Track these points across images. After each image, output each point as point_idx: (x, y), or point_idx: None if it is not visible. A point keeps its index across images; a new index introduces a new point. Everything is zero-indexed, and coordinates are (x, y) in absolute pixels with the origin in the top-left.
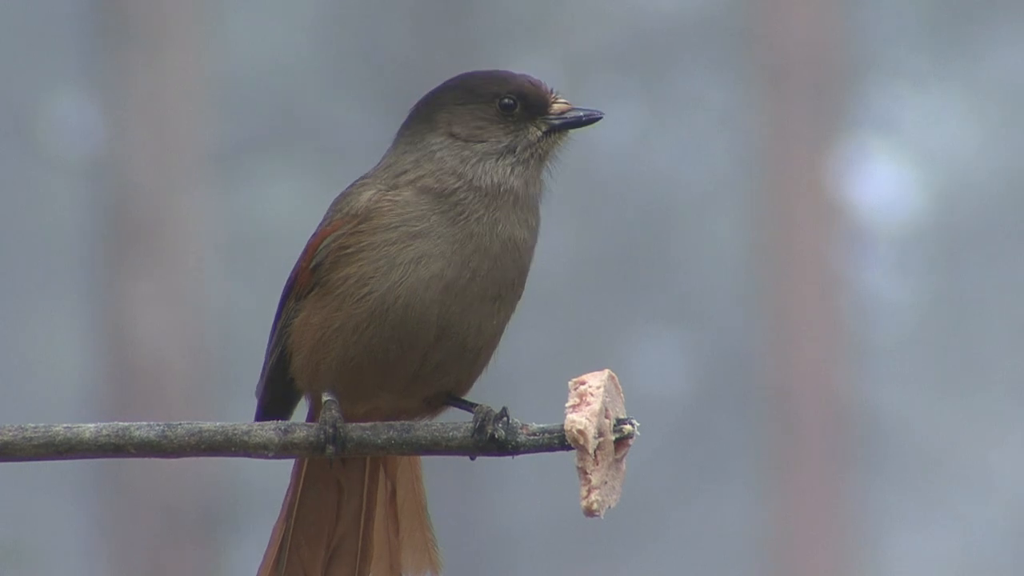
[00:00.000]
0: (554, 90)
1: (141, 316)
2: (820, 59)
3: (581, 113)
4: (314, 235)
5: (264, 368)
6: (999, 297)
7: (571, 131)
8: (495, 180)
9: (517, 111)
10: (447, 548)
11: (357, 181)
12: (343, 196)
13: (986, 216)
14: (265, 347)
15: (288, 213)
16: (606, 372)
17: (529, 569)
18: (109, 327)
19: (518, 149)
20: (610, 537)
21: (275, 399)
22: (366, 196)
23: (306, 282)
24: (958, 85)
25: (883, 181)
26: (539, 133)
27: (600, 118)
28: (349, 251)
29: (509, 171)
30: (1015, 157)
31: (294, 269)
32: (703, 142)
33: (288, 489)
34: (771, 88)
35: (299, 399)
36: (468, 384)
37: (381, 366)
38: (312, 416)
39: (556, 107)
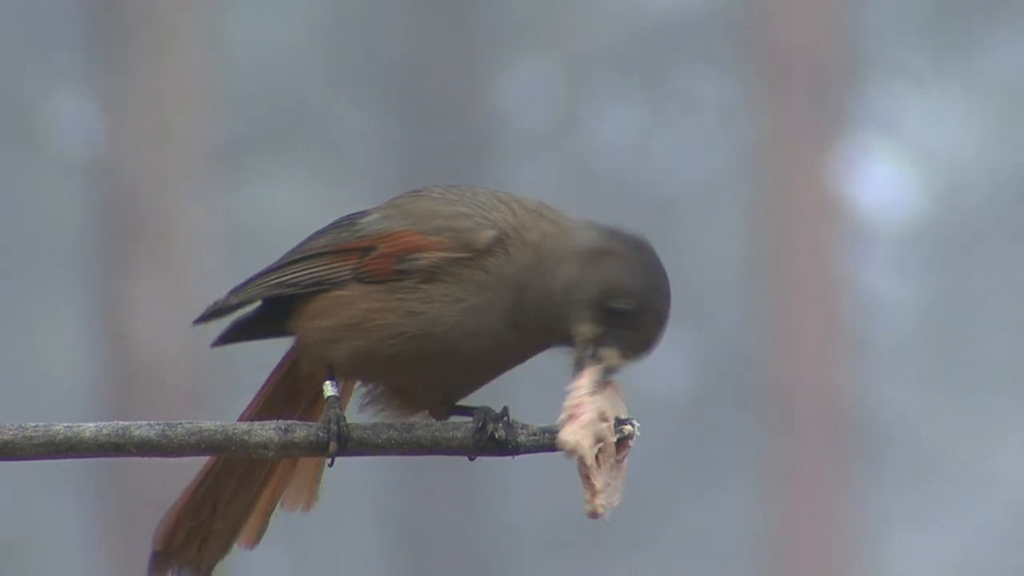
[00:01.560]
0: (634, 357)
1: (141, 315)
2: (820, 58)
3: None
4: (403, 222)
5: (256, 281)
6: (1000, 296)
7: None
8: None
9: (612, 317)
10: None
11: (474, 194)
12: (460, 214)
13: (986, 215)
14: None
15: (289, 212)
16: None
17: (529, 569)
18: (109, 326)
19: (572, 327)
20: (610, 537)
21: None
22: (488, 234)
23: (383, 273)
24: (958, 85)
25: (883, 180)
26: (585, 338)
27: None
28: (438, 272)
29: (558, 342)
30: (1015, 157)
31: (356, 237)
32: (703, 141)
33: (245, 411)
34: (771, 87)
35: (242, 308)
36: (466, 395)
37: (395, 371)
38: (282, 365)
39: (607, 353)
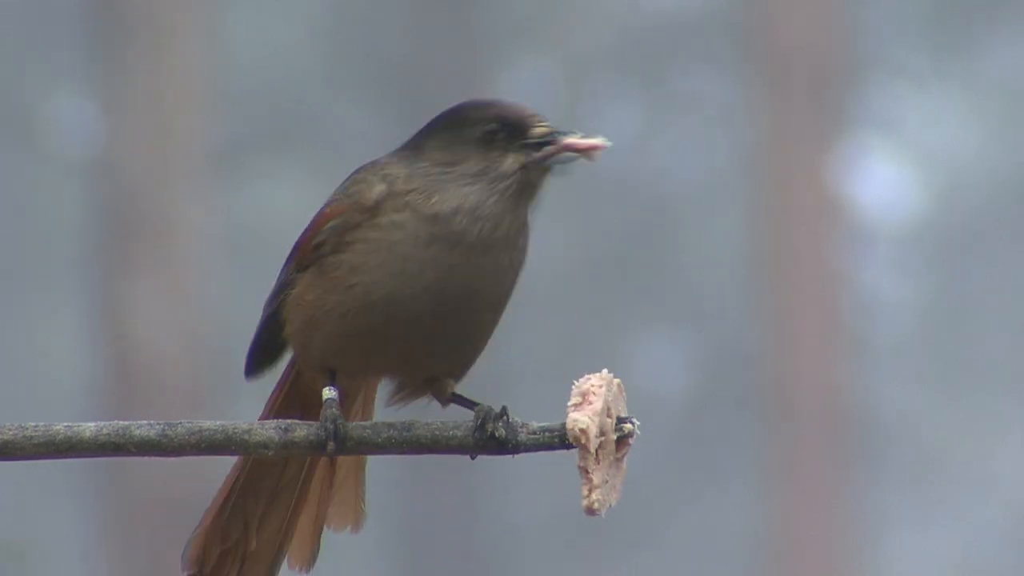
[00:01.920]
0: (536, 115)
1: (141, 315)
2: (820, 58)
3: (559, 154)
4: (321, 211)
5: (261, 322)
6: (999, 296)
7: (554, 164)
8: (458, 206)
9: (500, 138)
10: (447, 547)
11: (374, 165)
12: (354, 180)
13: (986, 215)
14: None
15: (288, 211)
16: (609, 375)
17: (529, 568)
18: (109, 326)
19: (488, 177)
20: (610, 536)
21: (264, 350)
22: (377, 190)
23: (307, 257)
24: (958, 84)
25: (883, 180)
26: (515, 165)
27: (590, 149)
28: (348, 239)
29: (478, 199)
30: (1015, 157)
31: (299, 239)
32: (703, 141)
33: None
34: (771, 87)
35: (285, 350)
36: (463, 371)
37: (370, 351)
38: (287, 375)
39: (536, 131)
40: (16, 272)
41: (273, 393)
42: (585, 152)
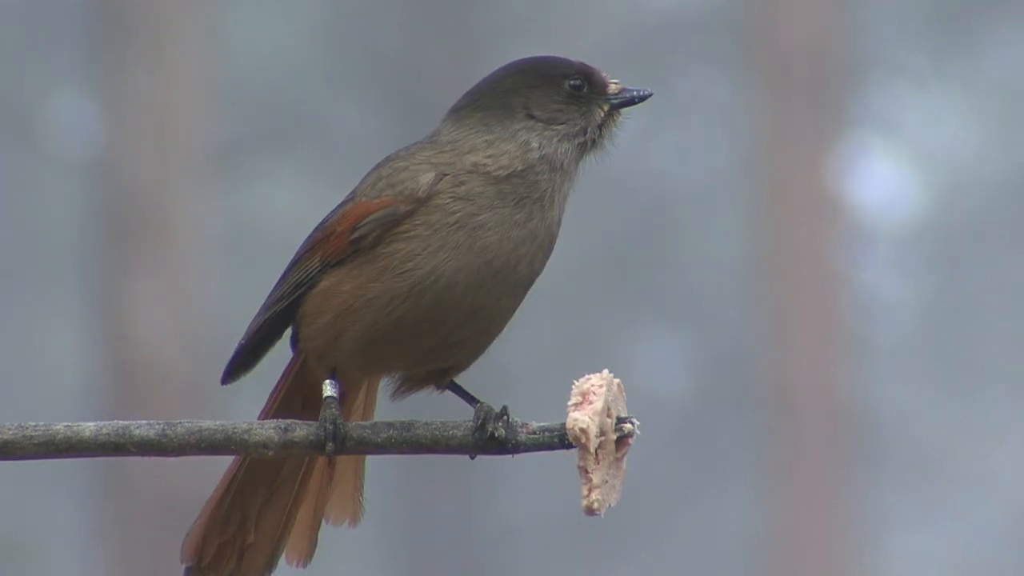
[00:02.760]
0: (607, 73)
1: (141, 315)
2: (820, 58)
3: (634, 92)
4: (352, 203)
5: (257, 317)
6: (999, 296)
7: (625, 110)
8: (567, 161)
9: (584, 92)
10: (446, 547)
11: (408, 152)
12: (395, 170)
13: (986, 215)
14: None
15: (288, 211)
16: (610, 374)
17: (529, 568)
18: (109, 326)
19: (588, 130)
20: (610, 536)
21: (253, 345)
22: (426, 179)
23: (341, 250)
24: (958, 84)
25: (883, 180)
26: (602, 114)
27: (650, 95)
28: (400, 229)
29: (578, 153)
30: (1015, 157)
31: (322, 231)
32: (703, 141)
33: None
34: (771, 87)
35: (270, 347)
36: (471, 362)
37: (406, 340)
38: (288, 371)
39: (612, 87)
40: (16, 272)
41: (276, 388)
42: (641, 97)
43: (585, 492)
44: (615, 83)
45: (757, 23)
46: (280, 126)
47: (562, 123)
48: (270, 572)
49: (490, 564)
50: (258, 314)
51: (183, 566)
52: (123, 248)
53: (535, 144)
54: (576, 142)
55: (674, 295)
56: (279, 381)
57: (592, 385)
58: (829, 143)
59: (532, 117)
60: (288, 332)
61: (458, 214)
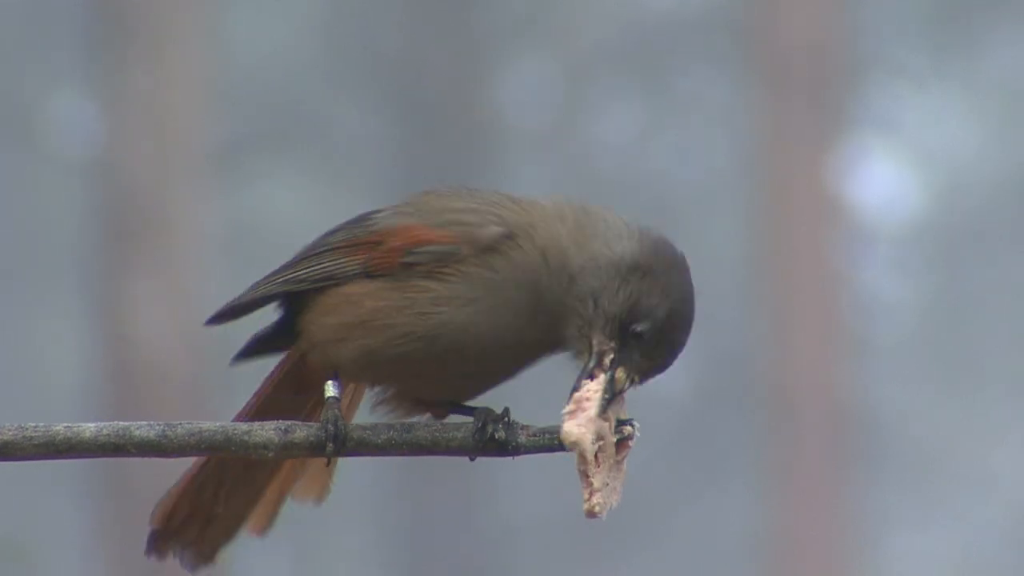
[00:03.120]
0: (639, 380)
1: (141, 315)
2: (820, 58)
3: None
4: (412, 218)
5: (267, 281)
6: (999, 296)
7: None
8: (562, 319)
9: (629, 345)
10: (446, 549)
11: (486, 194)
12: (468, 209)
13: (986, 215)
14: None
15: (289, 212)
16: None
17: (529, 568)
18: (109, 326)
19: (589, 336)
20: (610, 537)
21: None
22: (494, 231)
23: (390, 267)
24: (959, 84)
25: (883, 180)
26: (598, 351)
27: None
28: (446, 268)
29: (568, 332)
30: (1015, 157)
31: (367, 231)
32: (702, 141)
33: (245, 406)
34: (770, 87)
35: (258, 309)
36: (470, 399)
37: (405, 371)
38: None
39: (619, 373)
40: (15, 272)
41: (269, 376)
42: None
43: (586, 496)
44: (625, 380)
45: (757, 23)
46: (280, 126)
47: (595, 320)
48: (229, 542)
49: (490, 565)
50: (269, 278)
51: (150, 529)
52: (123, 248)
53: (561, 287)
54: (575, 323)
55: None
56: (278, 365)
57: (587, 391)
58: (829, 143)
59: (621, 281)
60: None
61: (490, 281)
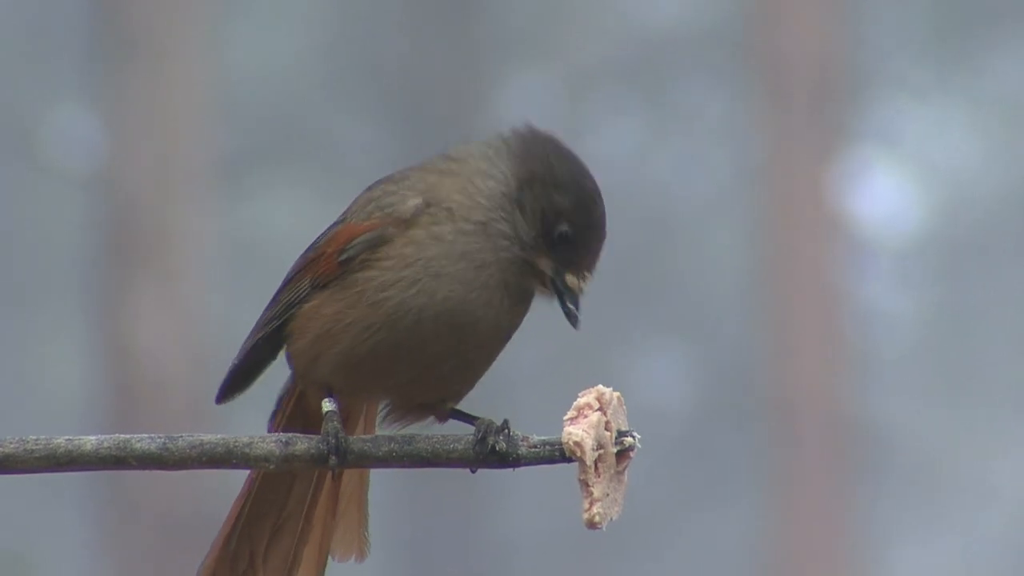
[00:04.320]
0: (589, 273)
1: (142, 328)
2: (822, 72)
3: (570, 307)
4: (343, 224)
5: (250, 336)
6: (1001, 310)
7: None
8: (494, 252)
9: (557, 241)
10: (446, 560)
11: (400, 174)
12: (385, 192)
13: (988, 229)
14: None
15: (290, 225)
16: (608, 388)
17: None
18: (110, 339)
19: (532, 268)
20: (610, 549)
21: (248, 366)
22: (412, 203)
23: (330, 271)
24: (960, 98)
25: (885, 194)
26: (542, 276)
27: (573, 325)
28: (377, 256)
29: (503, 265)
30: (1017, 170)
31: (314, 250)
32: (704, 154)
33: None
34: (772, 101)
35: (265, 368)
36: (463, 394)
37: (383, 368)
38: (288, 393)
39: (569, 280)
40: (17, 285)
41: (275, 415)
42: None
43: (586, 506)
44: (577, 283)
45: (758, 37)
46: (282, 140)
47: (510, 223)
48: None
49: None
50: (251, 334)
51: None
52: (124, 261)
53: (497, 224)
54: (502, 243)
55: (675, 308)
56: (279, 403)
57: (589, 399)
58: (831, 157)
59: (517, 203)
60: (283, 353)
61: (423, 255)
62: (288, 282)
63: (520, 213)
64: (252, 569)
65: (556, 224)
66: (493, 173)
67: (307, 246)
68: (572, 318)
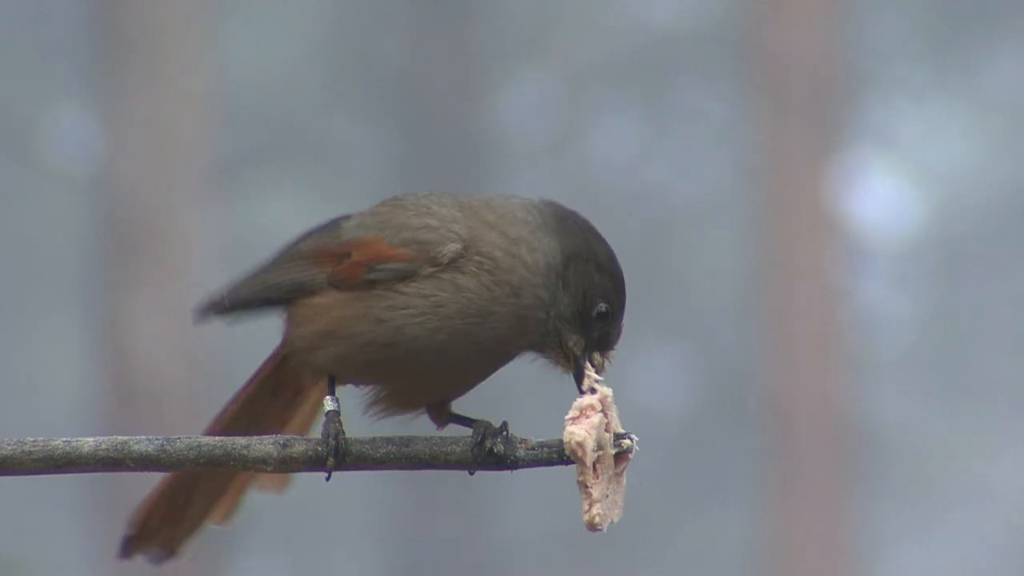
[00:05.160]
0: (606, 361)
1: (140, 330)
2: (819, 73)
3: (587, 382)
4: (375, 232)
5: (247, 284)
6: (999, 311)
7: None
8: (513, 321)
9: (593, 322)
10: (444, 562)
11: (440, 204)
12: (427, 227)
13: (986, 230)
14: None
15: (288, 226)
16: (607, 389)
17: None
18: (108, 341)
19: (559, 342)
20: (608, 552)
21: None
22: (451, 249)
23: (354, 279)
24: (958, 99)
25: (882, 195)
26: (575, 350)
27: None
28: (403, 285)
29: (524, 327)
30: (1015, 171)
31: (335, 242)
32: (702, 156)
33: (225, 407)
34: (770, 102)
35: (252, 311)
36: (457, 397)
37: (376, 375)
38: (277, 353)
39: (596, 359)
40: (15, 287)
41: (253, 377)
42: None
43: (586, 507)
44: (594, 372)
45: (756, 38)
46: (281, 140)
47: (565, 304)
48: (196, 535)
49: None
50: (248, 280)
51: (125, 535)
52: (122, 263)
53: (532, 290)
54: (551, 337)
55: (673, 310)
56: (259, 369)
57: (592, 400)
58: (828, 158)
59: (561, 279)
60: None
61: (439, 297)
62: (298, 258)
63: (563, 288)
64: (187, 502)
65: (595, 304)
66: (538, 245)
67: (321, 224)
68: (580, 387)
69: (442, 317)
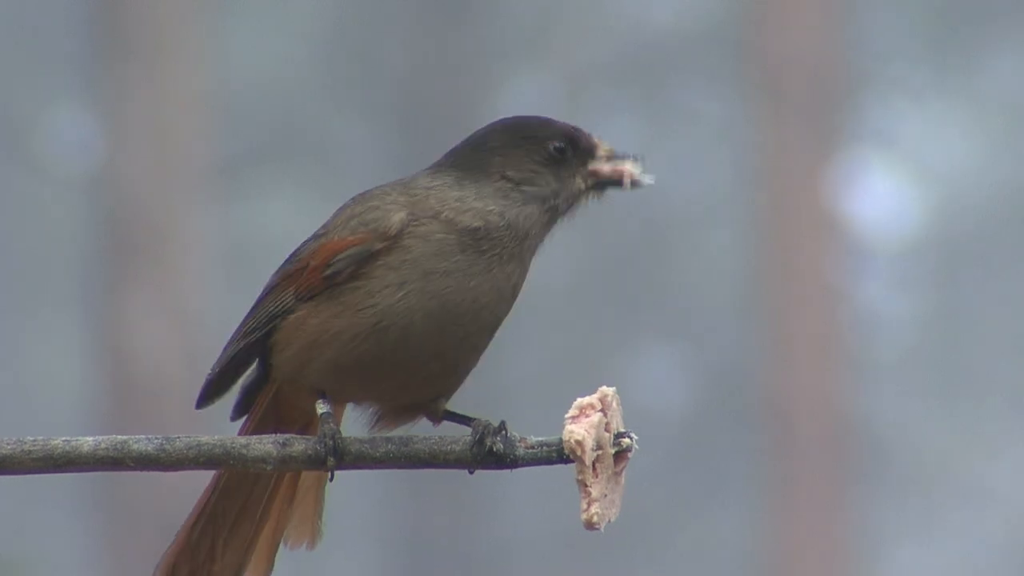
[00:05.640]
0: (599, 137)
1: (140, 329)
2: (818, 73)
3: (625, 168)
4: (325, 238)
5: (230, 344)
6: (998, 311)
7: (611, 189)
8: (531, 224)
9: (567, 157)
10: (443, 562)
11: (381, 191)
12: (368, 208)
13: (985, 230)
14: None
15: (287, 226)
16: (609, 389)
17: None
18: (108, 341)
19: (560, 196)
20: (608, 551)
21: (226, 374)
22: (398, 218)
23: (314, 286)
24: (957, 99)
25: (882, 195)
26: (582, 186)
27: (642, 185)
28: (365, 267)
29: (545, 216)
30: (1014, 171)
31: (295, 263)
32: (701, 157)
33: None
34: (769, 103)
35: (244, 372)
36: (450, 394)
37: (370, 374)
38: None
39: (603, 149)
40: (15, 287)
41: (249, 415)
42: (635, 184)
43: (584, 506)
44: (606, 147)
45: (755, 39)
46: (280, 140)
47: (533, 185)
48: None
49: None
50: (231, 341)
51: None
52: (122, 262)
53: (496, 208)
54: (544, 206)
55: (672, 310)
56: (240, 396)
57: (590, 400)
58: (828, 158)
59: (506, 178)
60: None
61: (416, 254)
62: (269, 292)
63: (520, 184)
64: (211, 558)
65: (547, 151)
66: (469, 183)
67: (285, 258)
68: (638, 180)
69: (423, 273)
